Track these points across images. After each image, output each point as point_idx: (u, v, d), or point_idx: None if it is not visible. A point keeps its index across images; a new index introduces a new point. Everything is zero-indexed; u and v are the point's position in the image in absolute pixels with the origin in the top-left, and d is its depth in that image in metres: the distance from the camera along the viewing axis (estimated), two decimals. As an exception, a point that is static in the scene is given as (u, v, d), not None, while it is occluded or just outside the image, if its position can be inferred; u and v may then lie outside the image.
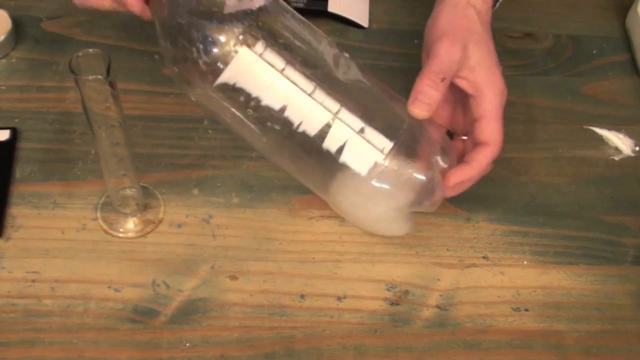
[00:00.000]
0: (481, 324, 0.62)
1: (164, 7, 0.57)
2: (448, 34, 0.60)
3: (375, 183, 0.58)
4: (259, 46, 0.56)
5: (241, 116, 0.58)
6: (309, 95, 0.57)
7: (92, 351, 0.58)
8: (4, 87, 0.71)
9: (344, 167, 0.58)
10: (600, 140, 0.74)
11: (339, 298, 0.62)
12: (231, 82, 0.56)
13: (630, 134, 0.75)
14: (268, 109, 0.57)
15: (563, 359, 0.61)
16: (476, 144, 0.61)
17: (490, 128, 0.60)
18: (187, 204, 0.65)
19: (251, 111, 0.57)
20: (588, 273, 0.65)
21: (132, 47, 0.75)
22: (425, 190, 0.59)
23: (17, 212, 0.64)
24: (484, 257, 0.65)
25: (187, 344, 0.59)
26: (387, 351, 0.60)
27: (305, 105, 0.57)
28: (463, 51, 0.60)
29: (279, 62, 0.56)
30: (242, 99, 0.57)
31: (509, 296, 0.63)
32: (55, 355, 0.57)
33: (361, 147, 0.58)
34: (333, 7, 0.78)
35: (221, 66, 0.55)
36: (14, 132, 0.67)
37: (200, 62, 0.56)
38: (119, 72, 0.68)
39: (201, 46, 0.55)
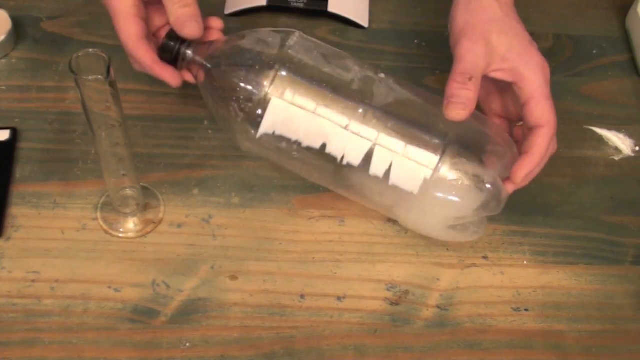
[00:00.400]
0: (481, 324, 0.62)
1: (200, 76, 0.61)
2: (466, 33, 0.59)
3: (430, 198, 0.58)
4: (288, 93, 0.58)
5: (291, 158, 0.60)
6: (345, 128, 0.58)
7: (92, 351, 0.58)
8: (4, 87, 0.71)
9: (398, 188, 0.59)
10: (600, 140, 0.74)
11: (339, 298, 0.62)
12: (270, 131, 0.58)
13: (630, 134, 0.75)
14: (311, 148, 0.59)
15: (563, 359, 0.61)
16: (530, 128, 0.60)
17: (539, 109, 0.59)
18: (187, 204, 0.65)
19: (296, 153, 0.59)
20: (588, 273, 0.65)
21: (132, 47, 0.75)
22: (486, 193, 0.58)
23: (17, 212, 0.64)
24: (484, 257, 0.65)
25: (187, 344, 0.59)
26: (387, 351, 0.60)
27: (343, 139, 0.58)
28: (487, 45, 0.59)
29: (310, 103, 0.58)
30: (284, 144, 0.59)
31: (509, 296, 0.63)
32: (55, 355, 0.57)
33: (407, 167, 0.58)
34: (333, 7, 0.78)
35: (259, 119, 0.58)
36: (14, 132, 0.67)
37: (240, 119, 0.59)
38: (119, 72, 0.68)
39: (236, 105, 0.58)
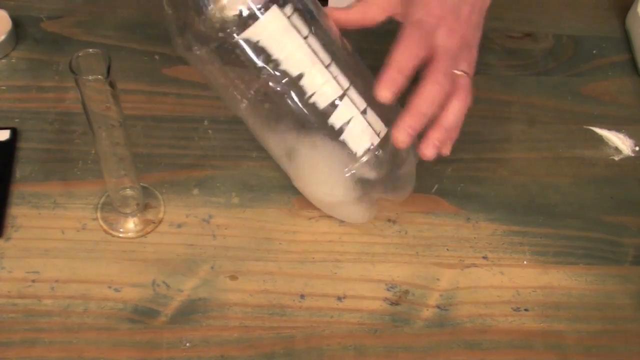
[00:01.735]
0: (481, 324, 0.62)
1: None
2: (417, 23, 0.57)
3: (359, 167, 0.58)
4: (288, 8, 0.54)
5: (237, 76, 0.56)
6: (326, 67, 0.56)
7: (92, 351, 0.58)
8: (4, 87, 0.71)
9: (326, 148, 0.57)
10: (600, 140, 0.74)
11: (339, 298, 0.62)
12: (255, 38, 0.53)
13: (630, 134, 0.75)
14: (283, 73, 0.55)
15: (563, 359, 0.61)
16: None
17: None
18: (187, 204, 0.65)
19: (262, 74, 0.55)
20: (588, 273, 0.65)
21: (132, 47, 0.75)
22: (396, 179, 0.60)
23: (17, 212, 0.64)
24: (484, 257, 0.65)
25: (187, 344, 0.59)
26: (387, 351, 0.60)
27: (320, 76, 0.56)
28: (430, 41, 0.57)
29: (304, 28, 0.55)
30: (261, 58, 0.54)
31: (509, 296, 0.63)
32: (55, 355, 0.57)
33: (362, 128, 0.57)
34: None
35: (234, 30, 0.53)
36: (14, 132, 0.67)
37: (207, 20, 0.53)
38: (119, 72, 0.68)
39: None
